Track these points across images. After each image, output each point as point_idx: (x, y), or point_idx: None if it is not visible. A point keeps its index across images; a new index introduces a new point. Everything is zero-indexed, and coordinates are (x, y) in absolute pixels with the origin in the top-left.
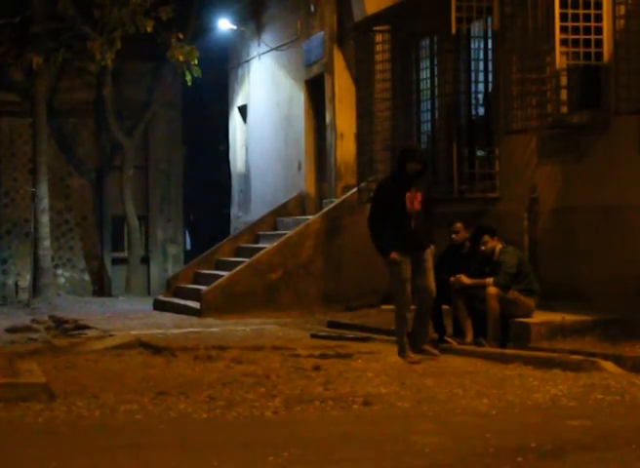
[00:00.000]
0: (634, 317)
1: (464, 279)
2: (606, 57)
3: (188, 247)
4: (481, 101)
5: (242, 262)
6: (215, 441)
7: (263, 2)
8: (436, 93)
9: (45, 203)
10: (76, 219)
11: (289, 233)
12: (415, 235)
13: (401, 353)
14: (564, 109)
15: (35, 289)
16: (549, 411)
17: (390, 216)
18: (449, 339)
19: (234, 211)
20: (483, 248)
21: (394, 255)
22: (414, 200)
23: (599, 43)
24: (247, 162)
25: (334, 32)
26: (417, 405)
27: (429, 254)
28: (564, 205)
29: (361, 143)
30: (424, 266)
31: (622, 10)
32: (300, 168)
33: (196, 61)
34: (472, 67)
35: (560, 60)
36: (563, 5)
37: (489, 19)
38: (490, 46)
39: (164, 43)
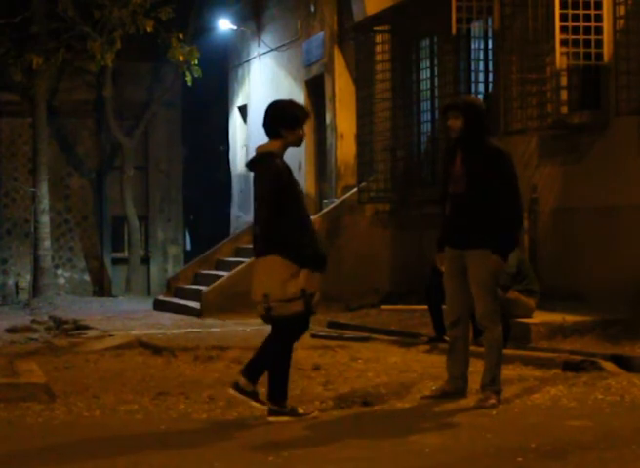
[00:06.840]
0: (634, 317)
1: None
2: (606, 57)
3: (188, 247)
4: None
5: (242, 262)
6: (214, 441)
7: (263, 2)
8: (436, 93)
9: (45, 203)
10: (76, 220)
11: None
12: (451, 226)
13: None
14: (564, 109)
15: (35, 289)
16: (549, 412)
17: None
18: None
19: (234, 211)
20: None
21: (438, 260)
22: (457, 175)
23: (599, 43)
24: None
25: (334, 32)
26: (417, 405)
27: (481, 259)
28: (564, 205)
29: (361, 143)
30: (471, 278)
31: (622, 10)
32: (300, 168)
33: (196, 62)
34: (472, 67)
35: (560, 61)
36: (563, 5)
37: (489, 19)
38: (490, 46)
39: (164, 43)
